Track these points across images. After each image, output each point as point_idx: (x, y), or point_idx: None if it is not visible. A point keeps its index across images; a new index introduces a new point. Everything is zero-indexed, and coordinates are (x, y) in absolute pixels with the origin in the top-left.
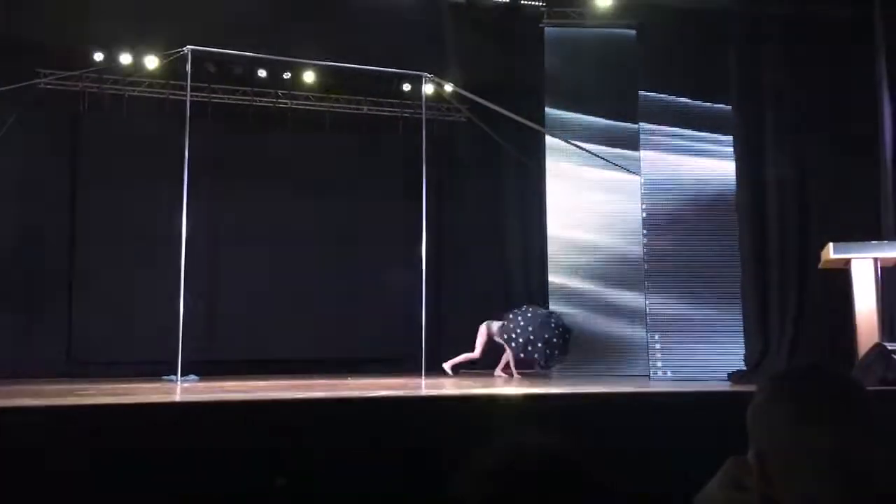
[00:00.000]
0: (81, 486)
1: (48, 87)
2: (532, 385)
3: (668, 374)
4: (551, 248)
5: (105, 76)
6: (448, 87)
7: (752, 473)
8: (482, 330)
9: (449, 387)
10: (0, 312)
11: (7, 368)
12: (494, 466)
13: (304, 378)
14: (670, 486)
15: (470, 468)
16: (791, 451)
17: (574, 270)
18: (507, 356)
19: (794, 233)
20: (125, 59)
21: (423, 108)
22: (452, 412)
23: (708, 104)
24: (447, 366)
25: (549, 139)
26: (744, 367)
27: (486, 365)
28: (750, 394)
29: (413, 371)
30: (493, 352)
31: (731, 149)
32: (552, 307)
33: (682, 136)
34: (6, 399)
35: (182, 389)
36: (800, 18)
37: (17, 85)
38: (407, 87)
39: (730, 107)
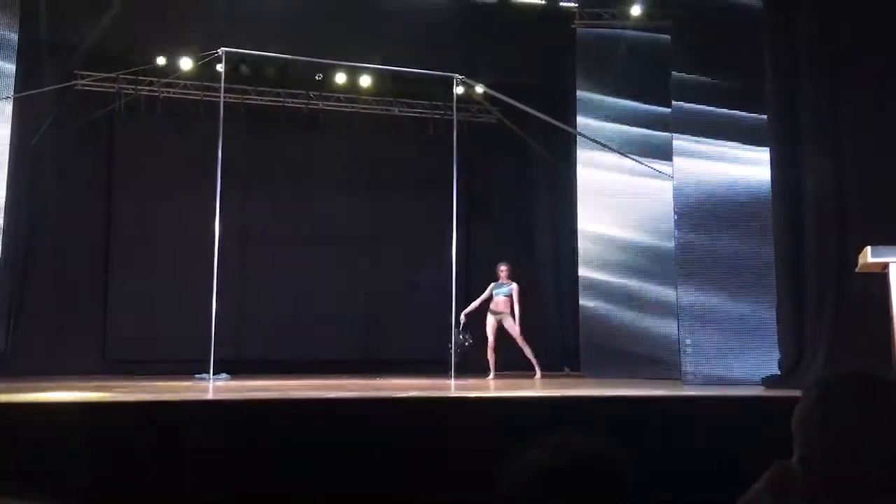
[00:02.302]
0: (116, 480)
1: (85, 88)
2: (565, 388)
3: (700, 377)
4: (582, 246)
5: (140, 78)
6: (479, 89)
7: (797, 478)
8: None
9: (479, 388)
10: (36, 312)
11: (43, 367)
12: (538, 465)
13: (333, 378)
14: (707, 492)
15: (512, 468)
16: (837, 455)
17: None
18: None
19: (832, 234)
20: (160, 60)
21: (455, 110)
22: (484, 414)
23: (743, 103)
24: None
25: (579, 140)
26: (778, 372)
27: (510, 366)
28: (786, 399)
29: (442, 372)
30: (508, 351)
31: (766, 151)
32: (582, 303)
33: (715, 136)
34: (43, 395)
35: (214, 388)
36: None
37: (56, 86)
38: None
39: (765, 106)
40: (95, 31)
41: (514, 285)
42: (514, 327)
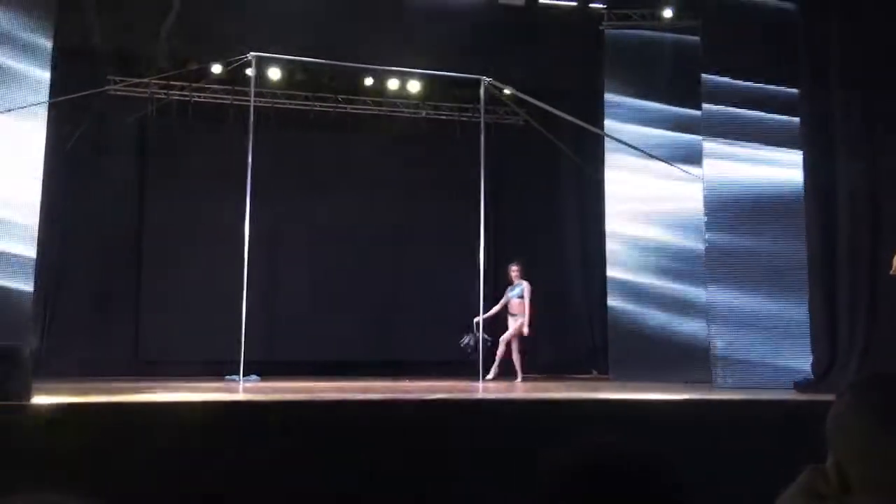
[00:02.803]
0: (149, 478)
1: (118, 93)
2: (596, 390)
3: (730, 380)
4: (610, 248)
5: (172, 82)
6: (507, 91)
7: (831, 483)
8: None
9: (507, 391)
10: (71, 313)
11: (77, 367)
12: (573, 466)
13: (362, 380)
14: (737, 497)
15: (548, 467)
16: (872, 460)
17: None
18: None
19: (866, 236)
20: (191, 65)
21: (482, 112)
22: (514, 415)
23: (775, 103)
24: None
25: (607, 142)
26: (810, 376)
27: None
28: (819, 403)
29: (470, 374)
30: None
31: (797, 153)
32: (611, 304)
33: (746, 138)
34: (77, 396)
35: (245, 389)
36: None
37: (90, 91)
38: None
39: (798, 109)
40: (161, 38)
41: (525, 284)
42: (515, 325)
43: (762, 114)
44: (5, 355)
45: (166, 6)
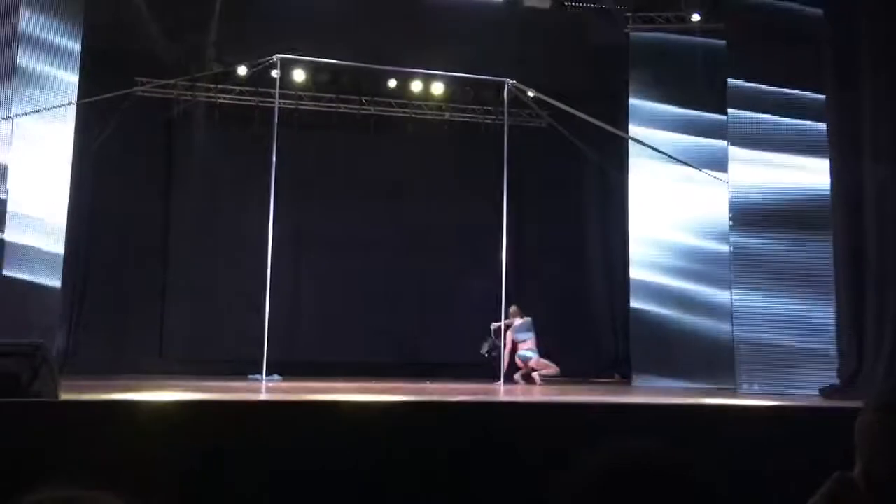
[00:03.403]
0: (174, 477)
1: (145, 94)
2: (618, 394)
3: (756, 387)
4: (633, 251)
5: (198, 84)
6: (530, 93)
7: (859, 490)
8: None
9: (526, 393)
10: (97, 312)
11: (103, 365)
12: (599, 470)
13: (383, 381)
14: (767, 499)
15: (572, 472)
16: None
17: None
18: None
19: (893, 241)
20: (217, 67)
21: (506, 114)
22: (535, 419)
23: (801, 108)
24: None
25: (631, 145)
26: (836, 382)
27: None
28: (845, 410)
29: (489, 376)
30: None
31: (824, 159)
32: (633, 306)
33: (772, 144)
34: (104, 394)
35: (267, 388)
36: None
37: (117, 93)
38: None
39: (825, 114)
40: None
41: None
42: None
43: (789, 119)
44: (32, 353)
45: (197, 9)
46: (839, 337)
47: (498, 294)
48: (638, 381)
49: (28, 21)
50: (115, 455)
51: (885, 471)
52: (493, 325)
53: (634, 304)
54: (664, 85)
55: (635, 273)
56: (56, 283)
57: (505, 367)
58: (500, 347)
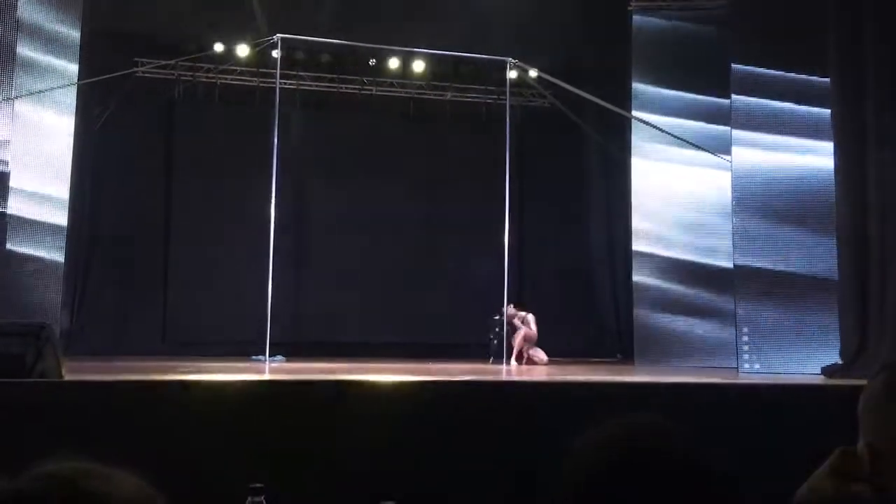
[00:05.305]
0: (174, 455)
1: (145, 75)
2: (622, 374)
3: (757, 366)
4: (636, 229)
5: (198, 64)
6: (533, 73)
7: (863, 464)
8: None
9: (528, 373)
10: (100, 294)
11: (106, 347)
12: (607, 444)
13: (385, 361)
14: (766, 480)
15: (579, 447)
16: None
17: None
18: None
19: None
20: (218, 47)
21: (508, 94)
22: (538, 398)
23: (805, 92)
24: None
25: (634, 125)
26: (839, 361)
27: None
28: (848, 388)
29: (486, 357)
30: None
31: (828, 142)
32: (636, 280)
33: (776, 127)
34: (107, 375)
35: (271, 369)
36: None
37: (118, 73)
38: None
39: (829, 99)
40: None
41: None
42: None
43: (792, 104)
44: (37, 333)
45: None
46: (842, 316)
47: (500, 274)
48: (641, 361)
49: (26, 6)
50: (119, 436)
51: (890, 444)
52: (496, 317)
53: (637, 276)
54: (666, 67)
55: (638, 255)
56: (59, 257)
57: (515, 354)
58: (501, 332)
